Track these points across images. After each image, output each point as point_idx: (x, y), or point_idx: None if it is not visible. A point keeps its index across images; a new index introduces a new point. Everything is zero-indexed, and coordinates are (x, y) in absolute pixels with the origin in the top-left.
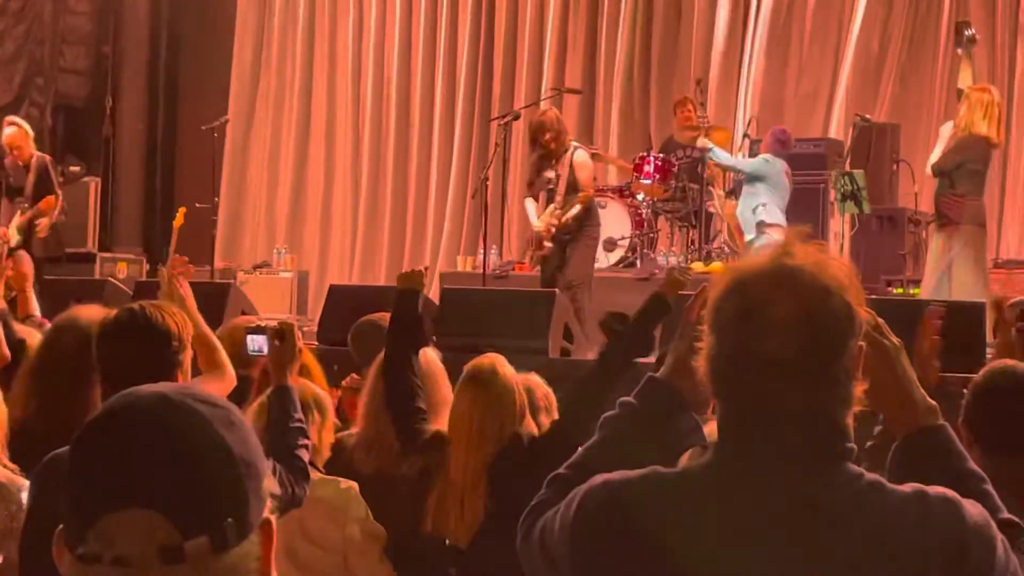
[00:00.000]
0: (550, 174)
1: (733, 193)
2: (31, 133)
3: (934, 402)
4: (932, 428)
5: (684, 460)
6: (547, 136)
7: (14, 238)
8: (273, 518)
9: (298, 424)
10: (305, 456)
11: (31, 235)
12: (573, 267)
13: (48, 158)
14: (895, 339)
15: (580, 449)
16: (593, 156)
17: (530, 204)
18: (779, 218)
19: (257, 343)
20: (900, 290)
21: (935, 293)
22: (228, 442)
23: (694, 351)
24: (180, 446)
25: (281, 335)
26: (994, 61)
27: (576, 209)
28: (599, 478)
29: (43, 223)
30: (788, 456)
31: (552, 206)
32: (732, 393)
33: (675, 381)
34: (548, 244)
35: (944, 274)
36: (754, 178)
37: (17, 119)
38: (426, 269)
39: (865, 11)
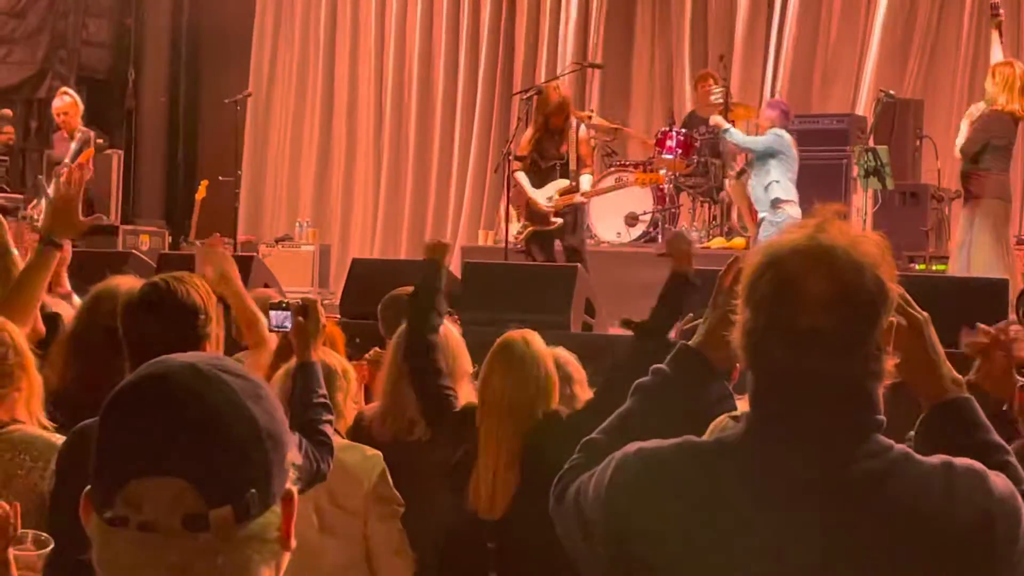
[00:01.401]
0: (563, 149)
1: (743, 172)
2: (81, 106)
3: (959, 375)
4: (958, 400)
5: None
6: (563, 118)
7: (43, 205)
8: (295, 489)
9: (322, 399)
10: (329, 431)
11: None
12: (579, 235)
13: (92, 133)
14: (922, 312)
15: (613, 415)
16: (616, 130)
17: (524, 177)
18: (792, 193)
19: (279, 318)
20: (923, 266)
21: (958, 270)
22: (255, 414)
23: (726, 321)
24: (208, 416)
25: (304, 311)
26: (1019, 36)
27: (610, 182)
28: (634, 445)
29: (73, 171)
30: (820, 427)
31: (562, 181)
32: (766, 366)
33: (707, 350)
34: (558, 220)
35: (964, 249)
36: (766, 154)
37: (70, 90)
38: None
39: None
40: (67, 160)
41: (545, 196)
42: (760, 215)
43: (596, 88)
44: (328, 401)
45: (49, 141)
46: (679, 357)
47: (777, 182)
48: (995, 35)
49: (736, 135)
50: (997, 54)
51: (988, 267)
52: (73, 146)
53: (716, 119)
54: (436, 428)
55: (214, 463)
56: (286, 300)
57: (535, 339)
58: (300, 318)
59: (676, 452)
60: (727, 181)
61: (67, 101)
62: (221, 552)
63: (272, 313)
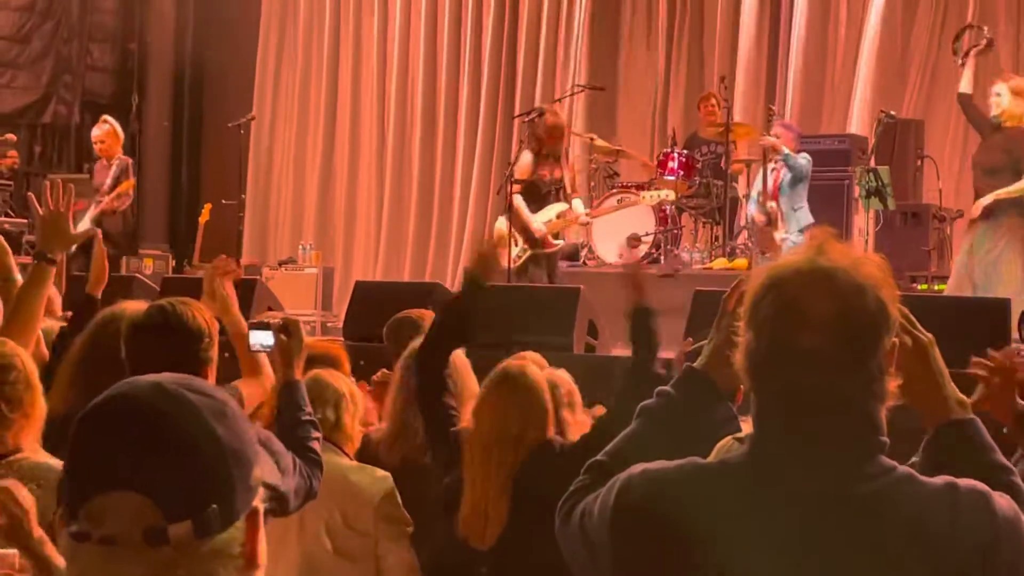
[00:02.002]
0: (557, 174)
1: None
2: (121, 135)
3: (964, 396)
4: (962, 421)
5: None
6: (557, 141)
7: (82, 227)
8: (262, 507)
9: (308, 418)
10: (318, 448)
11: (101, 229)
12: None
13: (130, 160)
14: (927, 333)
15: (619, 437)
16: (617, 152)
17: (522, 201)
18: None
19: (258, 338)
20: (924, 286)
21: (983, 289)
22: (218, 432)
23: (730, 343)
24: (170, 433)
25: (287, 330)
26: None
27: (612, 204)
28: (638, 467)
29: (110, 200)
30: (823, 448)
31: (561, 205)
32: (769, 387)
33: (711, 372)
34: (557, 242)
35: (992, 268)
36: (798, 179)
37: (111, 119)
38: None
39: (885, 9)
40: (106, 188)
41: (543, 220)
42: (785, 236)
43: (597, 110)
44: (314, 418)
45: (53, 166)
46: (684, 379)
47: (806, 207)
48: (970, 64)
49: (793, 158)
50: (967, 83)
51: (1021, 286)
52: (112, 172)
53: (772, 140)
54: (436, 449)
55: (174, 478)
56: (267, 320)
57: (532, 369)
58: (283, 337)
59: (680, 473)
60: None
61: (105, 129)
62: (182, 566)
63: (252, 333)
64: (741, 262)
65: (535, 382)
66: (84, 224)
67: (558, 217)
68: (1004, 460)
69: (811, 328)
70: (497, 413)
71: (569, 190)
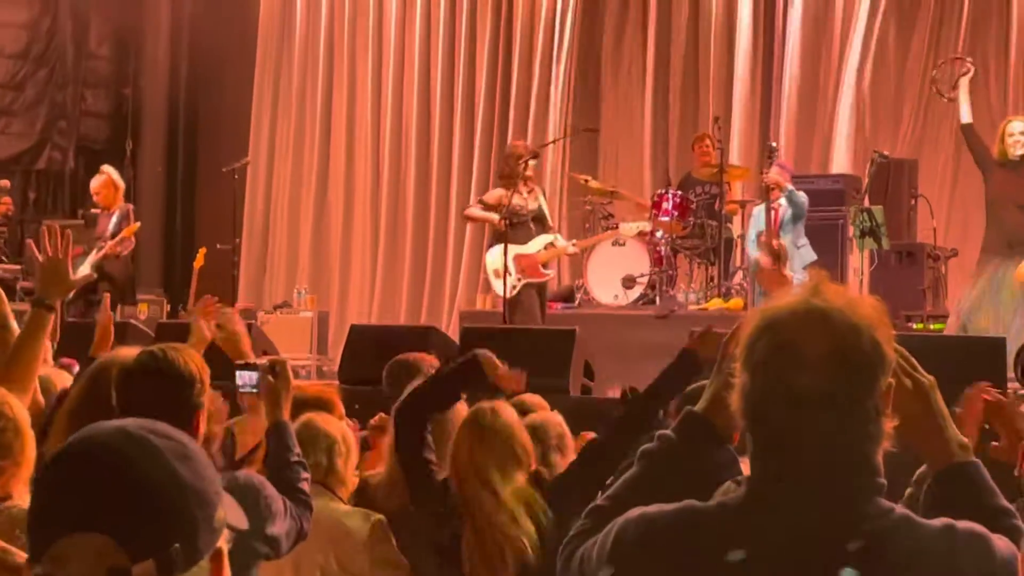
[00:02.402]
0: (533, 205)
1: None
2: (120, 184)
3: (966, 439)
4: (964, 464)
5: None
6: (510, 167)
7: (82, 272)
8: (226, 547)
9: (297, 459)
10: (307, 488)
11: (102, 274)
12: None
13: (130, 207)
14: (927, 375)
15: (619, 481)
16: (612, 193)
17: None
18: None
19: (245, 379)
20: (920, 325)
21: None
22: (180, 473)
23: (730, 386)
24: (132, 475)
25: (274, 370)
26: (1006, 95)
27: (596, 235)
28: (636, 511)
29: (113, 244)
30: (820, 491)
31: (548, 236)
32: (765, 429)
33: (712, 415)
34: (549, 272)
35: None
36: (799, 216)
37: (109, 169)
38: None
39: (877, 50)
40: (108, 235)
41: (535, 248)
42: (788, 273)
43: (591, 151)
44: (303, 459)
45: (47, 212)
46: (684, 422)
47: (807, 244)
48: (964, 93)
49: (797, 194)
50: (967, 113)
51: None
52: (113, 220)
53: (775, 176)
54: (422, 502)
55: (136, 519)
56: (254, 360)
57: (504, 409)
58: (270, 377)
59: (677, 516)
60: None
61: (101, 180)
62: None
63: (239, 374)
64: (737, 302)
65: (504, 422)
66: (84, 269)
67: (546, 248)
68: (1005, 503)
69: (806, 369)
70: (472, 457)
71: (552, 223)
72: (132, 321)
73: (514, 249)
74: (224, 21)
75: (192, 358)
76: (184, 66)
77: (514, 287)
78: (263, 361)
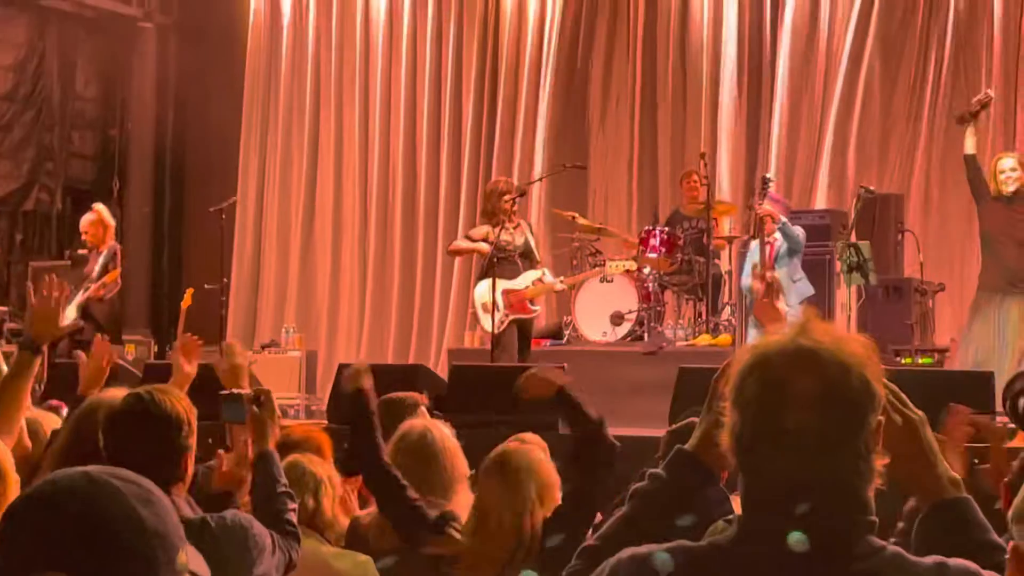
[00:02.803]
0: (519, 240)
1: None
2: (110, 223)
3: (957, 475)
4: (956, 500)
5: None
6: (491, 203)
7: (70, 316)
8: None
9: (284, 489)
10: (294, 519)
11: (87, 315)
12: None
13: (118, 247)
14: (918, 412)
15: (610, 520)
16: (599, 230)
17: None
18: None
19: (231, 410)
20: (908, 360)
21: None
22: (143, 516)
23: (721, 424)
24: (94, 517)
25: (259, 401)
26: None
27: (585, 271)
28: (627, 551)
29: (95, 288)
30: (811, 530)
31: (535, 272)
32: (755, 467)
33: (702, 453)
34: (536, 308)
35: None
36: (794, 250)
37: (100, 207)
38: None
39: (865, 85)
40: (94, 275)
41: (523, 284)
42: (787, 308)
43: (578, 188)
44: (289, 489)
45: (34, 253)
46: (675, 461)
47: (803, 278)
48: (972, 126)
49: (791, 227)
50: (972, 145)
51: None
52: (100, 260)
53: (768, 208)
54: (414, 542)
55: (100, 560)
56: (239, 391)
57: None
58: (255, 408)
59: (668, 556)
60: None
61: (90, 218)
62: None
63: (225, 405)
64: (725, 338)
65: (536, 467)
66: (71, 312)
67: (534, 284)
68: (997, 539)
69: (796, 408)
70: (496, 503)
71: (540, 257)
72: (120, 362)
73: (502, 284)
74: (210, 60)
75: (179, 400)
76: (171, 106)
77: (501, 322)
78: (248, 391)
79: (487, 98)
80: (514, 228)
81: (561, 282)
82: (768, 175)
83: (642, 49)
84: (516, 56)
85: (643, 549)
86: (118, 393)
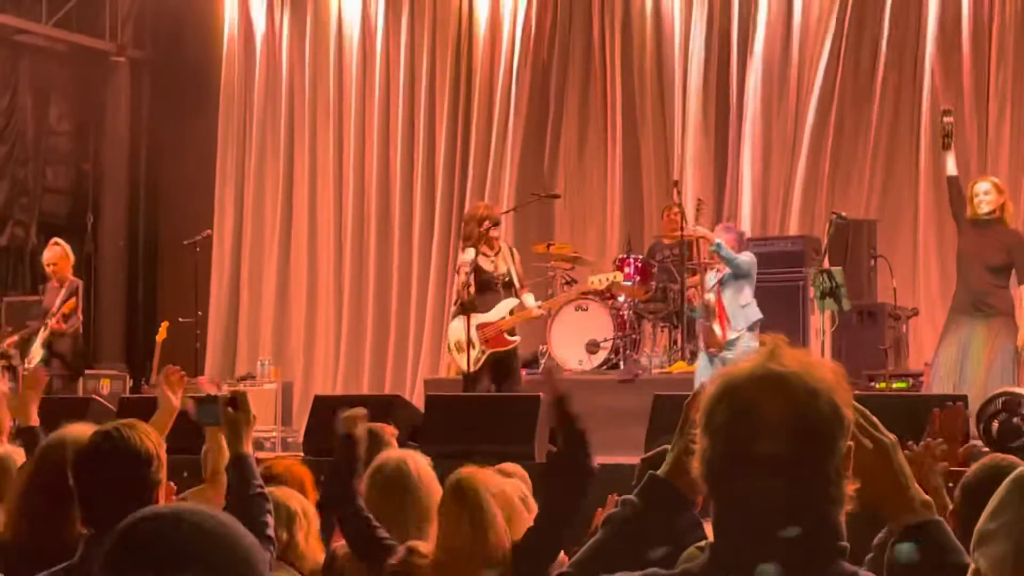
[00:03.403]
0: (502, 268)
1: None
2: (71, 257)
3: (928, 497)
4: (928, 523)
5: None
6: (471, 228)
7: (37, 354)
8: None
9: (259, 491)
10: (271, 522)
11: (52, 352)
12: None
13: (80, 283)
14: (890, 435)
15: (585, 547)
16: (575, 259)
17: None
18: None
19: (206, 412)
20: (883, 384)
21: (990, 387)
22: (254, 553)
23: (692, 450)
24: (192, 556)
25: (235, 403)
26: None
27: (565, 296)
28: None
29: (55, 322)
30: (782, 556)
31: (512, 301)
32: (726, 494)
33: (675, 479)
34: (514, 339)
35: (997, 367)
36: (741, 275)
37: (61, 241)
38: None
39: (837, 109)
40: (54, 309)
41: (496, 318)
42: (734, 333)
43: (551, 217)
44: (264, 491)
45: (8, 288)
46: (648, 487)
47: (754, 303)
48: (950, 152)
49: (726, 250)
50: (951, 165)
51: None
52: (61, 295)
53: (703, 231)
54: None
55: None
56: (214, 393)
57: (489, 478)
58: (231, 409)
59: None
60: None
61: (56, 252)
62: None
63: (200, 407)
64: None
65: (496, 493)
66: (36, 348)
67: (511, 314)
68: (969, 561)
69: (765, 434)
70: (459, 531)
71: (518, 285)
72: (95, 396)
73: (476, 318)
74: (184, 94)
75: (146, 435)
76: (144, 140)
77: (478, 360)
78: (223, 393)
79: (460, 127)
80: (495, 255)
81: (539, 307)
82: (700, 199)
83: (618, 76)
84: (489, 82)
85: None
86: (82, 430)
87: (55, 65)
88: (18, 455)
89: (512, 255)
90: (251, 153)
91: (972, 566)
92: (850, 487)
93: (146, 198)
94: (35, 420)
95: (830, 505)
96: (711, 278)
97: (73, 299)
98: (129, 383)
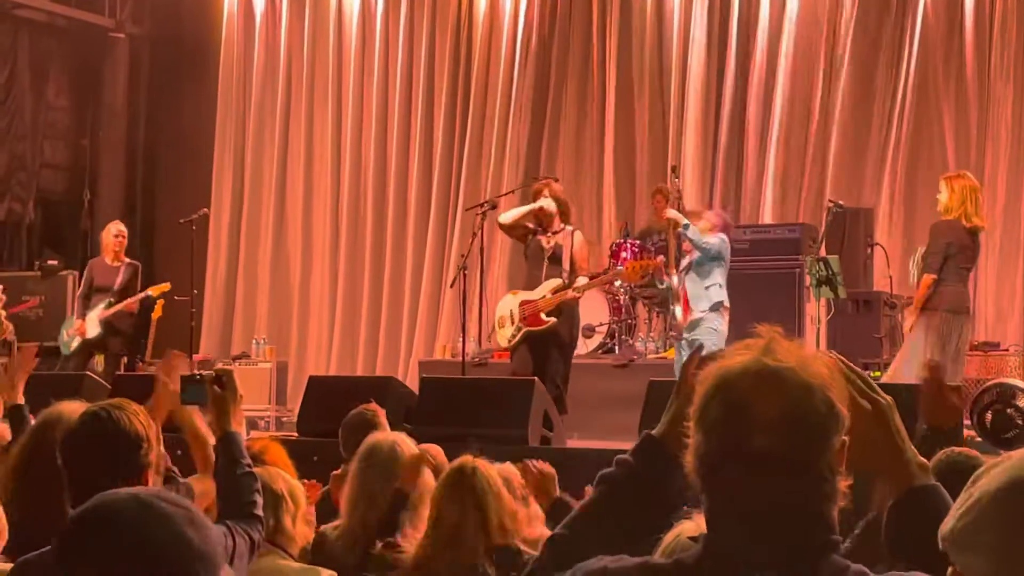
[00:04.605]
0: (549, 244)
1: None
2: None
3: (925, 460)
4: (927, 487)
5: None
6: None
7: (93, 330)
8: None
9: (248, 469)
10: (259, 500)
11: (112, 330)
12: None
13: (139, 264)
14: (886, 396)
15: (577, 507)
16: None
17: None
18: (726, 298)
19: (192, 392)
20: (877, 373)
21: (898, 376)
22: (189, 538)
23: (687, 415)
24: (144, 541)
25: (221, 381)
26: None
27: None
28: (598, 564)
29: (130, 302)
30: (775, 550)
31: (555, 281)
32: (719, 489)
33: (668, 440)
34: (550, 319)
35: (911, 357)
36: (715, 257)
37: (121, 224)
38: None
39: (844, 98)
40: (117, 287)
41: (539, 295)
42: (697, 315)
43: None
44: (253, 470)
45: (3, 264)
46: (642, 447)
47: (719, 286)
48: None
49: (693, 231)
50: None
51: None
52: (123, 273)
53: (674, 213)
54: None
55: None
56: (199, 373)
57: (486, 468)
58: (217, 388)
59: (636, 574)
60: (673, 278)
61: (123, 231)
62: None
63: (185, 387)
64: None
65: (489, 481)
66: (93, 325)
67: (552, 292)
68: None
69: (759, 431)
70: (452, 518)
71: (567, 266)
72: (89, 373)
73: (522, 295)
74: (183, 71)
75: (137, 416)
76: (143, 116)
77: (514, 336)
78: (209, 372)
79: (459, 109)
80: (554, 232)
81: (574, 290)
82: (673, 165)
83: (616, 63)
84: (487, 65)
85: (613, 565)
86: (74, 408)
87: (54, 40)
88: (4, 432)
89: (572, 238)
90: (249, 132)
91: (950, 568)
92: (844, 484)
93: (144, 175)
94: (21, 399)
95: (824, 501)
96: (684, 262)
97: (166, 285)
98: (124, 360)
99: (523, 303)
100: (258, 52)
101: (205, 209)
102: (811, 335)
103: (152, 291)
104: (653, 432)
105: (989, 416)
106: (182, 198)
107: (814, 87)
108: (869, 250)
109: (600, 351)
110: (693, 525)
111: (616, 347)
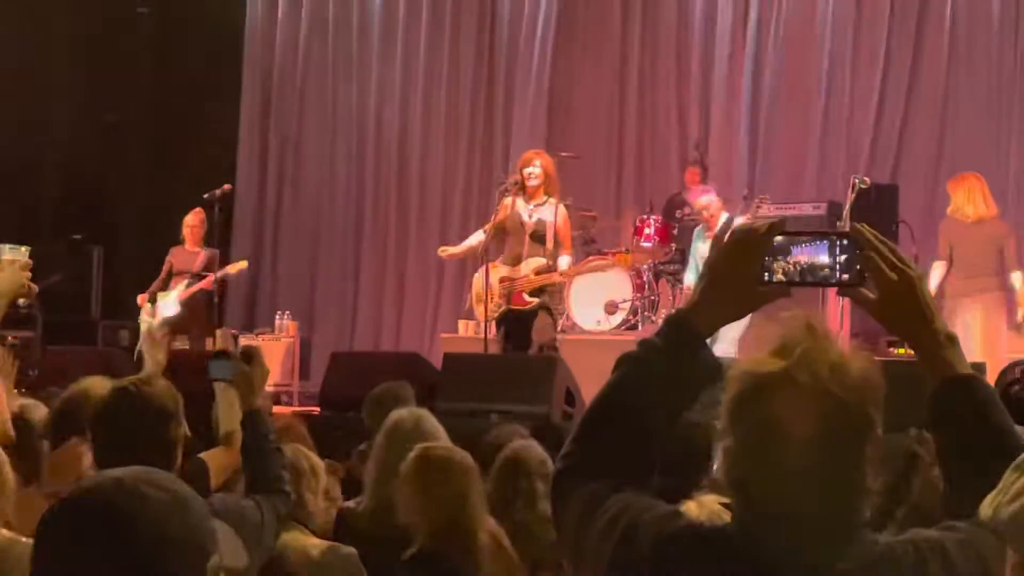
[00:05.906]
0: (534, 217)
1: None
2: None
3: (953, 331)
4: (967, 378)
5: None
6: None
7: (173, 308)
8: None
9: (274, 445)
10: (286, 476)
11: (191, 309)
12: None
13: (218, 252)
14: (915, 267)
15: (603, 387)
16: (593, 219)
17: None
18: None
19: (219, 368)
20: (902, 351)
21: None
22: (167, 526)
23: (717, 285)
24: (120, 528)
25: (248, 358)
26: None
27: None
28: (647, 516)
29: (208, 282)
30: (805, 540)
31: (537, 260)
32: (749, 497)
33: (695, 316)
34: (533, 299)
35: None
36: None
37: (202, 212)
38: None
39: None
40: (197, 269)
41: (522, 273)
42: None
43: (571, 176)
44: (279, 446)
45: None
46: (668, 324)
47: None
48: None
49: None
50: None
51: None
52: (203, 258)
53: (705, 203)
54: None
55: (121, 571)
56: (227, 349)
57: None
58: (243, 365)
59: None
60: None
61: (201, 216)
62: None
63: (212, 363)
64: None
65: (458, 466)
66: (171, 305)
67: (535, 273)
68: (1012, 424)
69: (793, 449)
70: (417, 503)
71: (550, 246)
72: (115, 348)
73: (500, 271)
74: (208, 45)
75: (165, 391)
76: (167, 92)
77: (493, 313)
78: (236, 349)
79: (486, 80)
80: (537, 205)
81: (560, 275)
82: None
83: (641, 31)
84: (509, 37)
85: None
86: (101, 384)
87: (81, 16)
88: (37, 411)
89: (558, 210)
90: (273, 105)
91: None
92: (876, 485)
93: (168, 150)
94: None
95: (856, 512)
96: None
97: (243, 263)
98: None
99: (503, 279)
100: (280, 21)
101: (228, 185)
102: (834, 308)
103: (230, 269)
104: (680, 307)
105: (1015, 390)
106: (207, 173)
107: (850, 62)
108: (894, 227)
109: (623, 328)
110: (695, 505)
111: (639, 324)
